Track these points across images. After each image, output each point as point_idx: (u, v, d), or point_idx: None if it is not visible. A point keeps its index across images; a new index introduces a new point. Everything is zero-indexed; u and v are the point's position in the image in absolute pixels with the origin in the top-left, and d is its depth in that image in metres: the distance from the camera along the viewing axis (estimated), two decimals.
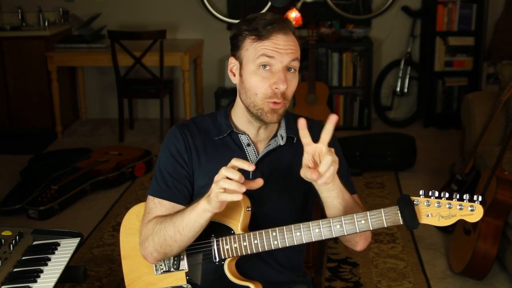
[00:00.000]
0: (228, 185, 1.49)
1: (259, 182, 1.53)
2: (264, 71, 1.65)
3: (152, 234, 1.69)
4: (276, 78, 1.65)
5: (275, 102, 1.66)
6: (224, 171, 1.51)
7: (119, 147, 4.92)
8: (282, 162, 1.77)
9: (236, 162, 1.51)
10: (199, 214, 1.59)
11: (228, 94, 5.49)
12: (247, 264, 1.74)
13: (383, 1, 5.58)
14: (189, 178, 1.76)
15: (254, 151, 1.77)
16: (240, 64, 1.70)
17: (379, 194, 4.18)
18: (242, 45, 1.68)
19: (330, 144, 1.56)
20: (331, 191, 1.60)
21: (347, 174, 1.82)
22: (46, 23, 5.50)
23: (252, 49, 1.66)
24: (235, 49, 1.71)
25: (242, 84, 1.71)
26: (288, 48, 1.65)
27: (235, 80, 1.74)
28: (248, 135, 1.76)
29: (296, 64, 1.68)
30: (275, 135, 1.78)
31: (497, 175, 3.02)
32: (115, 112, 5.60)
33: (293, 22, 5.32)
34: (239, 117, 1.77)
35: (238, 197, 1.50)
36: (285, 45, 1.65)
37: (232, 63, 1.74)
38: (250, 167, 1.50)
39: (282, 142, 1.77)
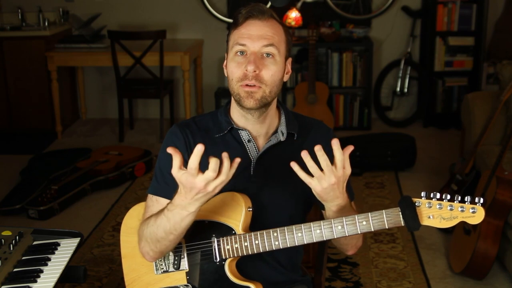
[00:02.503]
0: (217, 185, 1.46)
1: (236, 161, 1.48)
2: (240, 57, 1.68)
3: (145, 235, 1.67)
4: (247, 61, 1.67)
5: (247, 85, 1.67)
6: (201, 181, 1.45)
7: (119, 147, 4.91)
8: (282, 158, 1.76)
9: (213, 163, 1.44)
10: (183, 219, 1.55)
11: (228, 94, 5.47)
12: (248, 264, 1.73)
13: (383, 1, 5.58)
14: None
15: (255, 146, 1.77)
16: (227, 55, 1.74)
17: (379, 194, 4.18)
18: (228, 37, 1.73)
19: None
20: (329, 205, 1.62)
21: (348, 180, 1.83)
22: (46, 23, 5.50)
23: (231, 38, 1.71)
24: (226, 44, 1.75)
25: (227, 73, 1.74)
26: (262, 34, 1.66)
27: (226, 73, 1.77)
28: (248, 130, 1.76)
29: (273, 50, 1.68)
30: (276, 131, 1.79)
31: (497, 175, 3.02)
32: (115, 112, 5.60)
33: (293, 22, 5.33)
34: (235, 112, 1.78)
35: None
36: (258, 31, 1.66)
37: (226, 58, 1.77)
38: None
39: (282, 138, 1.78)
